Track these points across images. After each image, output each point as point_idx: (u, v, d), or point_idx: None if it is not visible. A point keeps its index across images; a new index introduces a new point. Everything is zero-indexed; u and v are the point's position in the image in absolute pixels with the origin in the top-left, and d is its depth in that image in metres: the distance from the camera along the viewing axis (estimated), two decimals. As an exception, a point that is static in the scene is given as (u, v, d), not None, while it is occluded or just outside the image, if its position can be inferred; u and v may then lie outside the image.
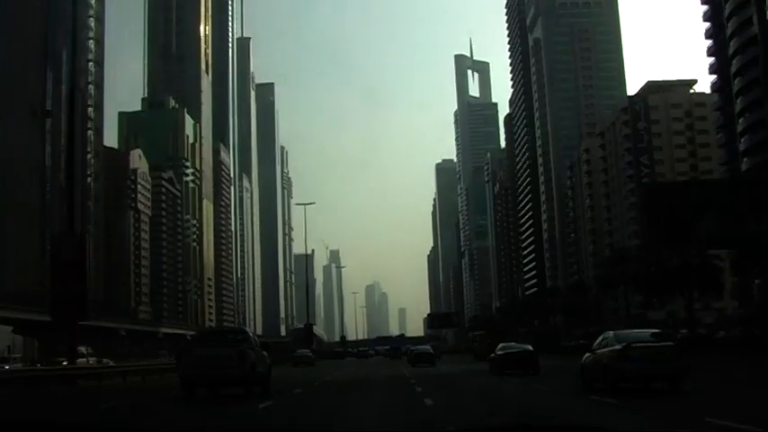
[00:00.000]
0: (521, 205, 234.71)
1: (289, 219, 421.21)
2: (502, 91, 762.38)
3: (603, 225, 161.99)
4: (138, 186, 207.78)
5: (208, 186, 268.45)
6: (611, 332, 24.71)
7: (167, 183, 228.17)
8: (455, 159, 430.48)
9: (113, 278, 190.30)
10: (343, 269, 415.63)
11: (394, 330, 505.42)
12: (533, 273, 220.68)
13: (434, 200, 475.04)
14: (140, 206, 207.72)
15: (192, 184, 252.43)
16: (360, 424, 17.35)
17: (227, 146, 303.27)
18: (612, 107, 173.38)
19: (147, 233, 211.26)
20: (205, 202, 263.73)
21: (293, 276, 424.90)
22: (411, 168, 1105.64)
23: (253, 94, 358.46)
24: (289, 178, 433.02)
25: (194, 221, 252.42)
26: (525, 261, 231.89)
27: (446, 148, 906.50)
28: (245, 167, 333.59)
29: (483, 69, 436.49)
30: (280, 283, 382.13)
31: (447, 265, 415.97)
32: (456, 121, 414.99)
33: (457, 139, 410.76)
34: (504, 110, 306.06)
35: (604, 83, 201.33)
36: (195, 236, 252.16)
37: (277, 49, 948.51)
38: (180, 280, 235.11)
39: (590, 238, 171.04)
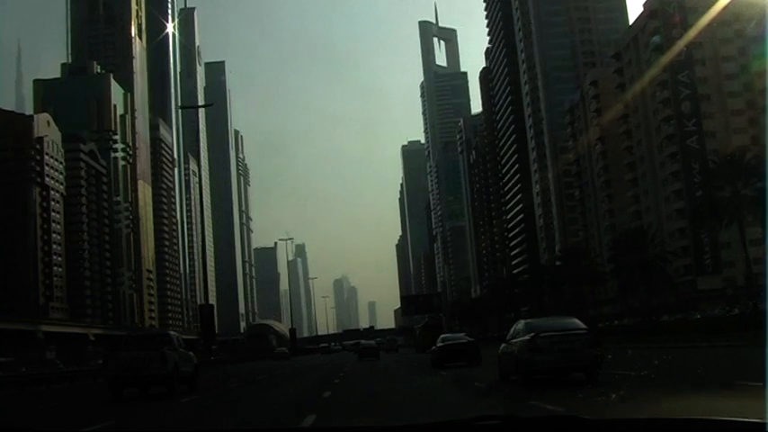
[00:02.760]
0: (504, 170, 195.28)
1: (246, 208, 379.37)
2: (471, 61, 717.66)
3: (624, 172, 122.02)
4: (46, 158, 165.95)
5: (144, 166, 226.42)
6: (523, 320, 22.21)
7: (88, 156, 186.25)
8: (423, 141, 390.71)
9: (12, 267, 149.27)
10: (308, 264, 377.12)
11: (364, 324, 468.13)
12: (523, 246, 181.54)
13: (401, 185, 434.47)
14: (49, 181, 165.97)
15: (122, 161, 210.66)
16: None
17: (168, 123, 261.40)
18: (622, 31, 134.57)
19: (59, 215, 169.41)
20: (141, 183, 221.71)
21: (253, 270, 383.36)
22: (376, 155, 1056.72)
23: (200, 70, 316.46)
24: (245, 164, 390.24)
25: (127, 204, 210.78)
26: (511, 235, 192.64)
27: (412, 129, 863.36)
28: (192, 149, 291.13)
29: (450, 37, 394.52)
30: (238, 277, 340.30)
31: (417, 252, 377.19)
32: (423, 94, 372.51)
33: (424, 113, 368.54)
34: (474, 79, 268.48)
35: (604, 14, 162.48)
36: (129, 221, 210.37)
37: (227, 25, 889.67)
38: (109, 272, 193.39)
39: (604, 191, 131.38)
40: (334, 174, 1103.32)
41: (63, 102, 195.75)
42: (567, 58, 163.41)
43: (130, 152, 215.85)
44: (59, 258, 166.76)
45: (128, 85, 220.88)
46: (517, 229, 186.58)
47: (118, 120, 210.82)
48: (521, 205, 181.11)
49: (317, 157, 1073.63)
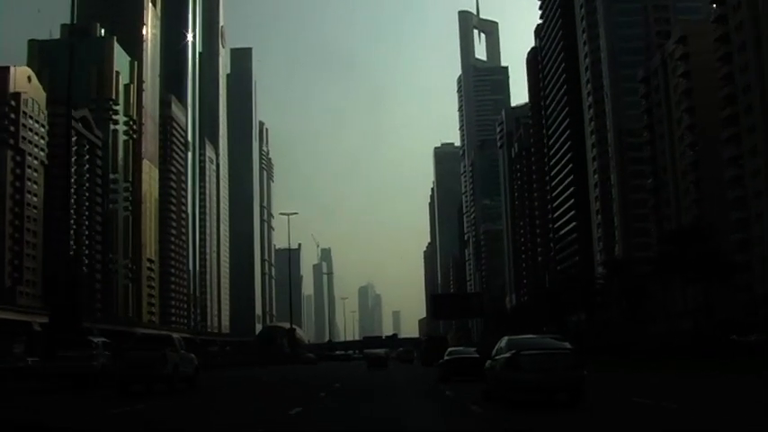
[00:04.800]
0: (552, 162, 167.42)
1: (268, 205, 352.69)
2: (512, 58, 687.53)
3: (721, 149, 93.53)
4: (23, 118, 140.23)
5: (150, 144, 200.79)
6: (506, 337, 20.87)
7: (79, 123, 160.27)
8: (456, 142, 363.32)
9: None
10: (334, 269, 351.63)
11: (387, 333, 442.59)
12: (573, 248, 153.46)
13: (432, 189, 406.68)
14: (26, 145, 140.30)
15: (123, 136, 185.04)
16: None
17: (183, 103, 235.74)
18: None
19: (38, 186, 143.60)
20: (146, 163, 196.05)
21: (273, 270, 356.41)
22: (408, 159, 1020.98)
23: (223, 52, 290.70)
24: (269, 159, 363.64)
25: (127, 184, 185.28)
26: (557, 236, 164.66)
27: (446, 131, 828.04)
28: (210, 135, 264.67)
29: (491, 30, 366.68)
30: (256, 277, 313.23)
31: (446, 259, 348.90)
32: (459, 89, 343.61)
33: (460, 109, 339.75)
34: (515, 76, 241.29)
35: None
36: (128, 203, 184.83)
37: (260, 14, 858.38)
38: (99, 257, 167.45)
39: (690, 175, 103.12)
40: (363, 179, 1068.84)
41: (59, 66, 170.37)
42: (637, 26, 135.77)
43: (134, 127, 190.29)
44: (34, 236, 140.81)
45: (135, 53, 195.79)
46: (566, 229, 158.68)
47: (121, 89, 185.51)
48: (572, 200, 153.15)
49: (347, 161, 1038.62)
